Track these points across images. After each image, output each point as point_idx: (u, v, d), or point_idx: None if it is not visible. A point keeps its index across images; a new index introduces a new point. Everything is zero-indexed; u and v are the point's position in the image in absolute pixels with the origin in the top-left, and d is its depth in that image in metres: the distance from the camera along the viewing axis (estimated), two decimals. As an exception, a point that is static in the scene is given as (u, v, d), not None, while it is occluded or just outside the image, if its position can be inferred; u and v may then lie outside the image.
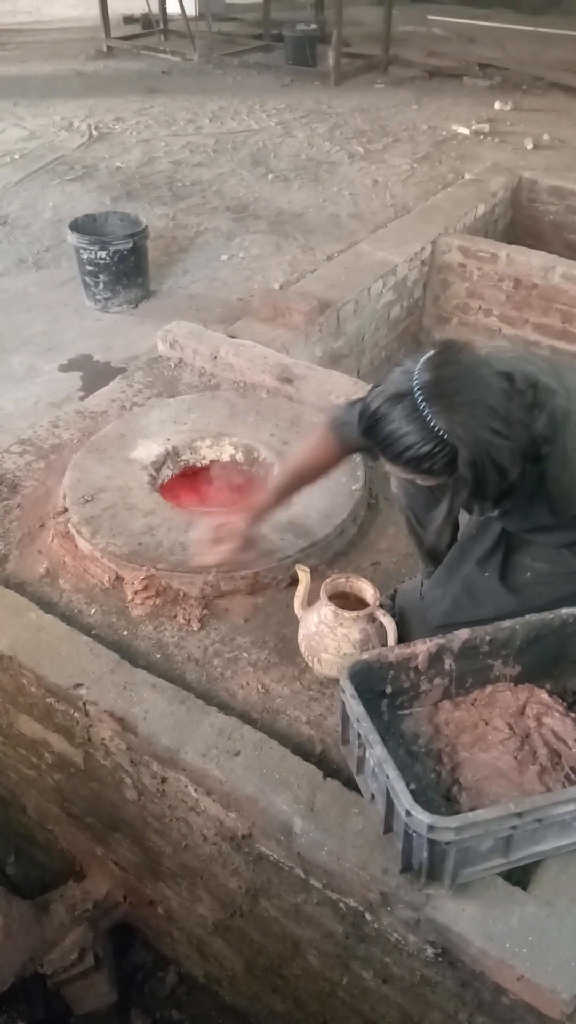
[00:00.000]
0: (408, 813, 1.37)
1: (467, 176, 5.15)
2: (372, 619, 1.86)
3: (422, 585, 2.01)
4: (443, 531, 1.71)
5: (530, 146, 5.76)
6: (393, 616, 1.94)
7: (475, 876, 1.48)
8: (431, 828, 1.36)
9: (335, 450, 1.85)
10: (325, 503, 2.31)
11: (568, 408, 1.48)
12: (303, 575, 1.94)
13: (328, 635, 1.88)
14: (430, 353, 1.38)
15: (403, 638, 1.85)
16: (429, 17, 9.61)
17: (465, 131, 6.05)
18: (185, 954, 2.51)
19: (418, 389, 1.33)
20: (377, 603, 1.86)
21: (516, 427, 1.36)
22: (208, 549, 2.01)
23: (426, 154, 5.66)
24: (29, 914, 2.35)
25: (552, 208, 5.25)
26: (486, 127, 6.09)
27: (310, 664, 1.95)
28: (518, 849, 1.46)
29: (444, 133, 6.08)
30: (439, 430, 1.32)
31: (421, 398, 1.32)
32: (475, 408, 1.32)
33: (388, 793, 1.44)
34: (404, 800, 1.38)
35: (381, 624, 1.84)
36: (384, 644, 1.81)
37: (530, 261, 4.25)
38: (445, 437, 1.32)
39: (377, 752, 1.46)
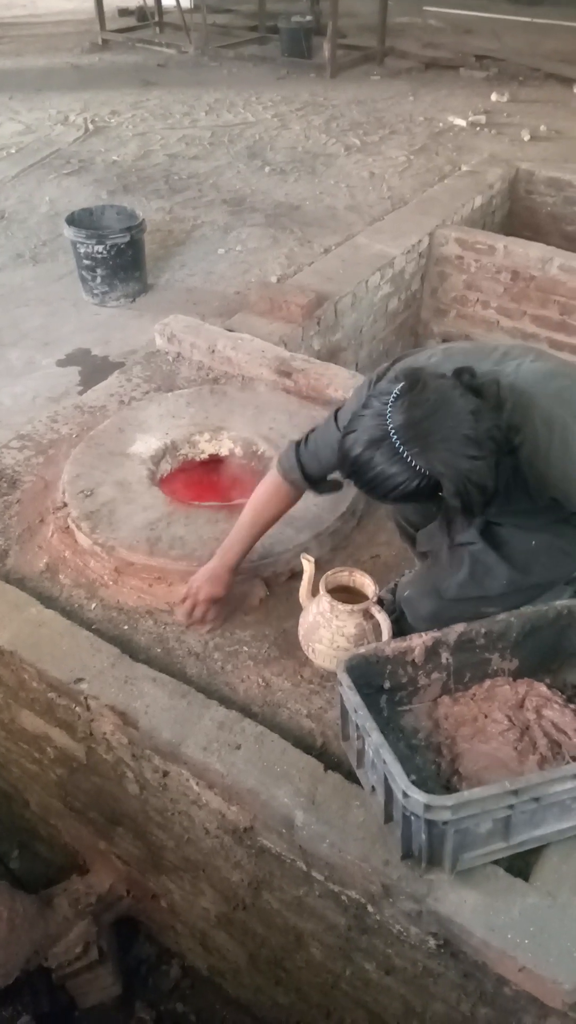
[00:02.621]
0: (405, 794, 1.38)
1: (464, 168, 5.13)
2: (368, 614, 1.86)
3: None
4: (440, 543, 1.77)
5: (527, 137, 5.74)
6: (394, 610, 1.95)
7: (476, 861, 1.48)
8: (428, 808, 1.37)
9: (288, 496, 1.93)
10: (324, 497, 2.30)
11: (527, 391, 1.50)
12: (307, 564, 1.95)
13: (323, 626, 1.88)
14: (397, 393, 1.40)
15: (404, 631, 1.85)
16: (425, 8, 9.56)
17: (462, 123, 6.03)
18: (188, 947, 2.52)
19: (394, 434, 1.38)
20: (375, 599, 1.86)
21: (490, 440, 1.40)
22: (190, 623, 2.06)
23: (423, 146, 5.64)
24: (33, 908, 2.36)
25: (549, 199, 5.23)
26: (483, 118, 6.07)
27: (307, 653, 1.96)
28: (518, 832, 1.46)
29: (441, 125, 6.06)
30: (421, 468, 1.38)
31: (399, 442, 1.38)
32: (450, 442, 1.37)
33: (386, 780, 1.45)
34: (400, 782, 1.38)
35: (377, 620, 1.84)
36: (379, 640, 1.81)
37: (528, 253, 4.24)
38: (428, 473, 1.38)
39: (374, 739, 1.46)
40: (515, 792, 1.39)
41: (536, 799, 1.41)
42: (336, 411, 1.82)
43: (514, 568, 1.77)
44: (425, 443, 1.37)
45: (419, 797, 1.36)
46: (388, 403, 1.40)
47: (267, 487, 1.93)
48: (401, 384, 1.41)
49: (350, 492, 2.34)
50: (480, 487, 1.40)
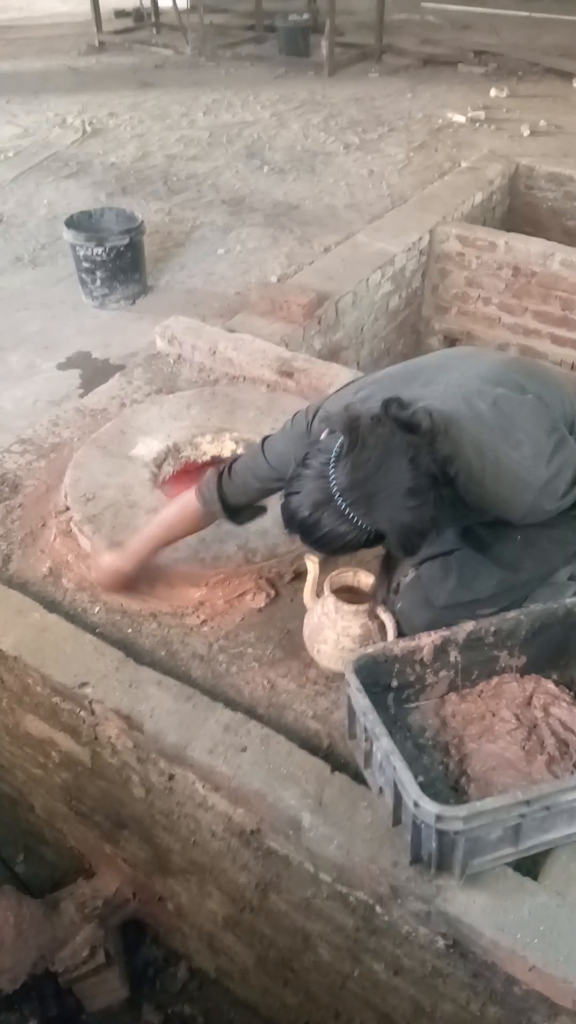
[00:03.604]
0: (416, 804, 1.37)
1: (464, 164, 5.11)
2: (374, 615, 1.85)
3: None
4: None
5: (527, 132, 5.72)
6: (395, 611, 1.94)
7: (485, 866, 1.48)
8: (439, 818, 1.36)
9: (201, 522, 1.96)
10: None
11: (455, 418, 1.50)
12: (312, 565, 1.94)
13: (328, 627, 1.88)
14: (337, 452, 1.41)
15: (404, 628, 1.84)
16: (423, 4, 9.53)
17: (461, 119, 6.01)
18: (196, 949, 2.51)
19: (339, 496, 1.39)
20: (382, 599, 1.85)
21: (429, 479, 1.41)
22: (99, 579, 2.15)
23: (422, 143, 5.62)
24: (39, 912, 2.36)
25: (550, 195, 5.22)
26: (482, 114, 6.05)
27: (312, 654, 1.95)
28: (527, 838, 1.46)
29: (440, 121, 6.04)
30: (366, 526, 1.40)
31: (343, 504, 1.39)
32: (393, 499, 1.39)
33: (396, 785, 1.44)
34: (412, 791, 1.38)
35: (382, 620, 1.83)
36: (385, 640, 1.80)
37: (529, 248, 4.22)
38: (373, 529, 1.41)
39: (384, 744, 1.46)
40: (527, 802, 1.38)
41: (547, 807, 1.40)
42: (264, 441, 1.82)
43: (503, 567, 1.77)
44: (370, 504, 1.39)
45: (431, 808, 1.35)
46: (330, 464, 1.41)
47: (183, 509, 1.95)
48: (340, 441, 1.41)
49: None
50: (421, 532, 1.43)
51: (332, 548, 1.47)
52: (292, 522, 1.47)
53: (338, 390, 1.79)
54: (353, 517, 1.39)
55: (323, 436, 1.50)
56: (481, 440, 1.50)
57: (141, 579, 2.12)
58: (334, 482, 1.40)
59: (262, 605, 2.14)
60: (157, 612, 2.14)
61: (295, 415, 1.79)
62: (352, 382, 1.78)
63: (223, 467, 1.86)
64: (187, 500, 1.93)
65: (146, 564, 2.07)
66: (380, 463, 1.38)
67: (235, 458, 1.88)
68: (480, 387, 1.55)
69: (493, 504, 1.56)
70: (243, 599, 2.15)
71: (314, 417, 1.72)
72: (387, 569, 1.68)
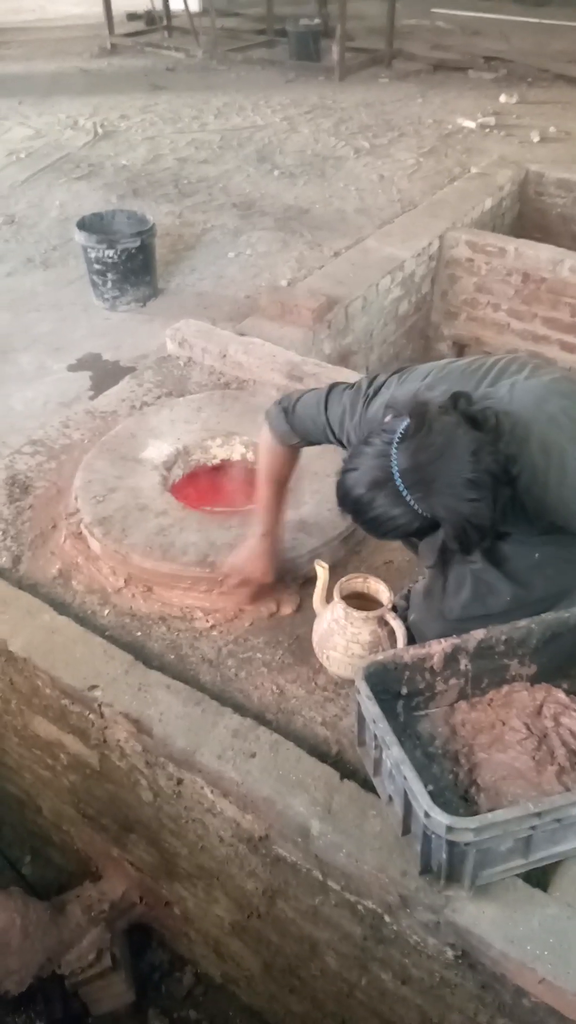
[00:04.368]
0: (427, 815, 1.36)
1: (473, 170, 5.12)
2: (383, 621, 1.85)
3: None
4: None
5: (536, 139, 5.72)
6: (406, 617, 1.94)
7: (495, 877, 1.47)
8: (450, 829, 1.35)
9: (294, 456, 1.96)
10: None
11: (523, 418, 1.49)
12: (322, 571, 1.94)
13: (338, 633, 1.87)
14: (402, 433, 1.39)
15: (416, 638, 1.84)
16: (433, 10, 9.55)
17: (471, 124, 6.02)
18: (202, 954, 2.51)
19: (398, 477, 1.38)
20: (389, 605, 1.85)
21: (490, 476, 1.39)
22: (235, 592, 2.11)
23: (432, 148, 5.63)
24: (46, 915, 2.36)
25: (560, 201, 5.22)
26: (492, 120, 6.06)
27: (321, 660, 1.95)
28: (538, 850, 1.45)
29: (450, 127, 6.04)
30: (423, 512, 1.38)
31: (403, 486, 1.38)
32: (454, 488, 1.36)
33: (406, 795, 1.43)
34: (423, 801, 1.37)
35: (392, 627, 1.83)
36: (394, 647, 1.80)
37: (538, 255, 4.22)
38: (429, 515, 1.39)
39: (394, 753, 1.45)
40: (538, 814, 1.37)
41: (559, 820, 1.40)
42: (327, 395, 1.80)
43: (517, 584, 1.76)
44: (428, 488, 1.37)
45: (442, 819, 1.34)
46: (393, 444, 1.40)
47: (270, 455, 1.94)
48: (406, 423, 1.40)
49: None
50: (479, 528, 1.40)
51: (383, 530, 1.45)
52: (347, 499, 1.46)
53: (400, 370, 1.75)
54: (409, 500, 1.37)
55: (388, 419, 1.48)
56: (548, 442, 1.48)
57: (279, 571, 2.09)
58: (395, 462, 1.38)
59: (291, 611, 2.15)
60: (166, 615, 2.14)
61: (357, 384, 1.77)
62: (415, 367, 1.75)
63: (287, 405, 1.85)
64: (268, 445, 1.92)
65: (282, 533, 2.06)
66: (443, 450, 1.36)
67: (296, 398, 1.85)
68: (547, 394, 1.54)
69: (554, 507, 1.54)
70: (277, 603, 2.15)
71: (374, 394, 1.70)
72: (446, 549, 1.61)
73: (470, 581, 1.78)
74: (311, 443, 1.89)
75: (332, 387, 1.82)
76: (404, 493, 1.37)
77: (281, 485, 1.99)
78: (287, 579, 2.15)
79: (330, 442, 1.84)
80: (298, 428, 1.85)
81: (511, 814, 1.37)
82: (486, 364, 1.67)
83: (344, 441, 1.76)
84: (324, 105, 6.66)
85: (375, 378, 1.77)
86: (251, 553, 2.04)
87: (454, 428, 1.38)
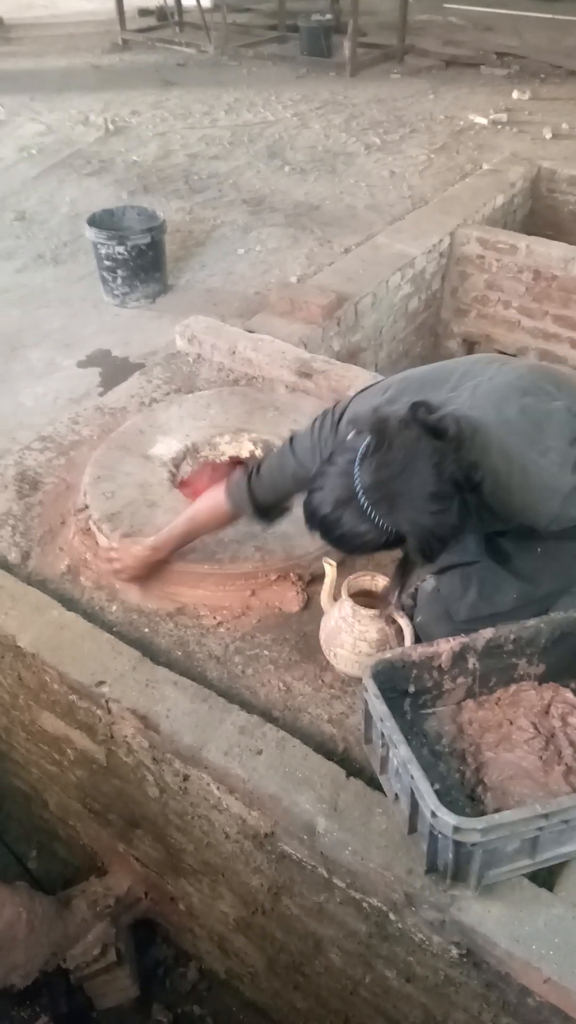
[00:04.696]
0: (434, 814, 1.36)
1: (485, 166, 5.09)
2: (391, 619, 1.84)
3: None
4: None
5: (549, 135, 5.69)
6: (414, 616, 1.93)
7: (501, 877, 1.47)
8: (457, 829, 1.35)
9: (229, 520, 1.96)
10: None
11: (483, 424, 1.49)
12: (330, 568, 1.93)
13: (345, 631, 1.87)
14: (363, 451, 1.40)
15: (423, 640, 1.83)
16: (445, 5, 9.51)
17: (483, 121, 5.99)
18: (206, 950, 2.52)
19: (362, 495, 1.39)
20: (398, 603, 1.84)
21: (453, 486, 1.40)
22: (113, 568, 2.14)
23: (443, 144, 5.60)
24: (51, 909, 2.37)
25: (572, 198, 5.19)
26: (504, 116, 6.03)
27: (328, 658, 1.95)
28: (544, 850, 1.45)
29: (461, 123, 6.02)
30: (387, 527, 1.39)
31: (366, 503, 1.39)
32: (416, 502, 1.38)
33: (412, 793, 1.43)
34: (430, 801, 1.37)
35: (400, 625, 1.83)
36: (401, 645, 1.80)
37: (550, 252, 4.20)
38: (394, 530, 1.40)
39: (401, 752, 1.45)
40: (546, 816, 1.37)
41: (566, 821, 1.39)
42: (291, 439, 1.81)
43: (523, 580, 1.76)
44: (392, 504, 1.38)
45: (449, 819, 1.34)
46: (355, 462, 1.40)
47: (212, 508, 1.95)
48: (367, 441, 1.41)
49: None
50: (441, 538, 1.42)
51: (351, 547, 1.47)
52: (313, 518, 1.47)
53: (363, 389, 1.77)
54: (374, 516, 1.39)
55: (350, 436, 1.49)
56: (508, 446, 1.49)
57: (155, 576, 2.13)
58: (358, 480, 1.39)
59: (296, 609, 2.14)
60: (173, 611, 2.14)
61: (323, 413, 1.78)
62: (377, 382, 1.77)
63: (252, 468, 1.86)
64: (216, 499, 1.92)
65: (167, 558, 2.08)
66: (405, 465, 1.38)
67: (262, 459, 1.88)
68: (508, 394, 1.54)
69: (519, 510, 1.55)
70: (279, 600, 2.15)
71: (340, 417, 1.71)
72: (401, 573, 1.66)
73: (476, 581, 1.78)
74: (267, 505, 1.87)
75: (292, 437, 1.83)
76: (369, 510, 1.39)
77: (197, 533, 2.03)
78: (160, 584, 2.16)
79: (298, 487, 1.81)
80: (260, 489, 1.83)
81: (518, 815, 1.37)
82: (448, 368, 1.67)
83: None
84: (335, 101, 6.64)
85: (337, 404, 1.78)
86: (128, 553, 2.08)
87: (415, 442, 1.39)
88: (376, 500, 1.38)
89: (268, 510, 1.89)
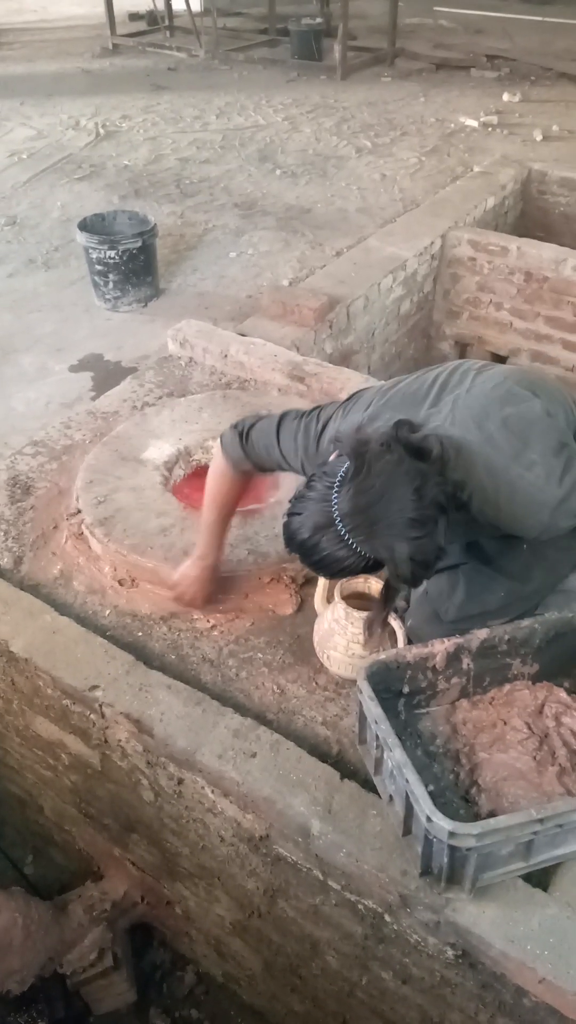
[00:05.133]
0: (429, 819, 1.36)
1: (476, 169, 5.11)
2: (384, 622, 1.84)
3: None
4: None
5: (539, 137, 5.72)
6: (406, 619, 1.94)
7: (495, 879, 1.47)
8: (452, 835, 1.35)
9: (243, 483, 1.94)
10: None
11: (465, 442, 1.49)
12: (321, 571, 1.93)
13: (339, 633, 1.87)
14: (342, 476, 1.40)
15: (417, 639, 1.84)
16: (435, 8, 9.55)
17: (473, 123, 6.01)
18: (203, 954, 2.51)
19: (340, 521, 1.38)
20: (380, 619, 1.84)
21: (436, 507, 1.39)
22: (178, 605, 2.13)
23: (434, 147, 5.62)
24: (48, 914, 2.36)
25: (563, 200, 5.21)
26: (494, 119, 6.05)
27: (321, 660, 1.95)
28: (539, 853, 1.45)
29: (452, 126, 6.04)
30: (365, 553, 1.39)
31: (344, 530, 1.38)
32: (394, 528, 1.37)
33: (407, 796, 1.43)
34: (425, 806, 1.37)
35: (392, 628, 1.83)
36: (395, 647, 1.80)
37: (541, 254, 4.22)
38: (371, 556, 1.40)
39: (396, 756, 1.45)
40: (540, 820, 1.37)
41: (560, 825, 1.40)
42: (280, 424, 1.78)
43: (510, 578, 1.76)
44: (371, 531, 1.37)
45: (444, 824, 1.34)
46: (334, 487, 1.40)
47: (221, 480, 1.91)
48: (346, 466, 1.40)
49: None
50: (423, 564, 1.41)
51: (330, 571, 1.47)
52: (292, 542, 1.47)
53: (346, 401, 1.76)
54: (352, 543, 1.38)
55: (331, 458, 1.49)
56: (493, 463, 1.49)
57: (216, 585, 2.10)
58: (336, 506, 1.39)
59: (289, 611, 2.15)
60: (167, 615, 2.14)
61: (310, 415, 1.77)
62: (360, 393, 1.75)
63: (241, 429, 1.82)
64: (219, 468, 1.90)
65: (222, 557, 2.06)
66: (384, 491, 1.37)
67: (250, 423, 1.83)
68: (487, 407, 1.54)
69: (509, 524, 1.56)
70: (273, 603, 2.15)
71: (323, 428, 1.71)
72: (390, 586, 1.66)
73: (463, 582, 1.79)
74: (263, 470, 1.87)
75: (283, 416, 1.80)
76: (347, 537, 1.38)
77: (227, 510, 1.98)
78: (224, 594, 2.13)
79: (283, 470, 1.83)
80: (252, 455, 1.82)
81: (514, 820, 1.37)
82: (427, 381, 1.66)
83: (300, 470, 1.75)
84: (326, 104, 6.66)
85: (323, 410, 1.76)
86: (185, 577, 2.05)
87: (395, 467, 1.38)
88: (354, 527, 1.38)
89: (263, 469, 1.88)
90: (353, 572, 1.45)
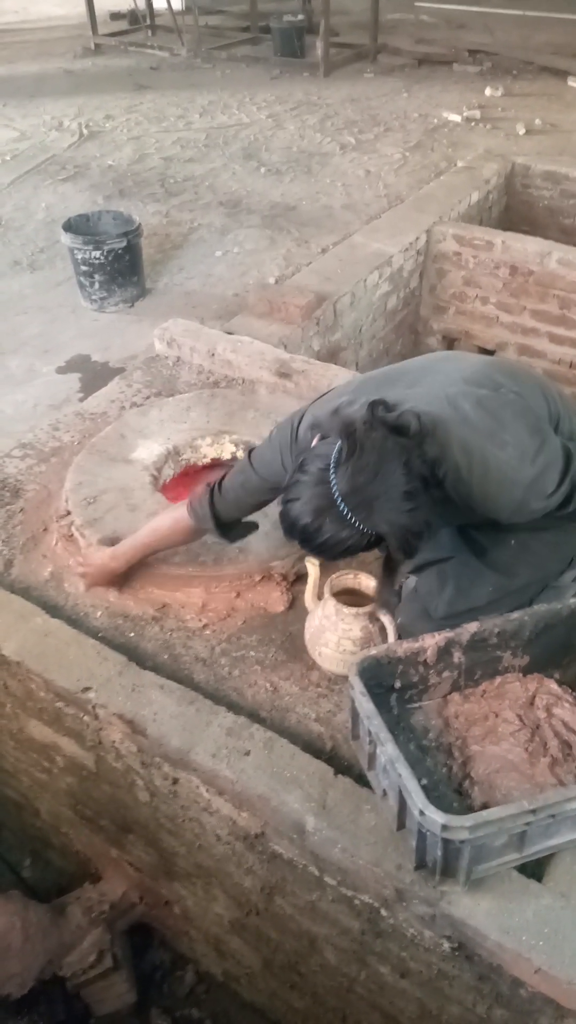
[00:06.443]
0: (422, 813, 1.37)
1: (460, 164, 5.12)
2: (374, 617, 1.85)
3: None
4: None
5: (522, 131, 5.73)
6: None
7: (489, 871, 1.48)
8: (445, 828, 1.36)
9: (192, 536, 1.99)
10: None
11: (442, 420, 1.51)
12: (312, 568, 1.94)
13: (330, 630, 1.88)
14: (337, 457, 1.41)
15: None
16: (417, 4, 9.54)
17: (456, 118, 6.02)
18: (203, 953, 2.51)
19: (340, 501, 1.40)
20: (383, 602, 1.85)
21: (421, 482, 1.42)
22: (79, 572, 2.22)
23: (418, 143, 5.63)
24: (46, 917, 2.36)
25: (546, 193, 5.22)
26: (477, 113, 6.06)
27: (313, 657, 1.95)
28: (532, 844, 1.46)
29: (435, 121, 6.04)
30: (367, 530, 1.41)
31: (345, 509, 1.40)
32: (392, 502, 1.39)
33: (400, 790, 1.44)
34: (417, 800, 1.38)
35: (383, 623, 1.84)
36: (385, 643, 1.81)
37: (526, 247, 4.22)
38: (372, 533, 1.42)
39: (388, 750, 1.46)
40: (533, 811, 1.38)
41: (553, 815, 1.40)
42: (250, 454, 1.82)
43: (499, 573, 1.77)
44: (371, 508, 1.39)
45: (437, 818, 1.34)
46: (329, 469, 1.41)
47: (175, 523, 1.96)
48: (339, 447, 1.41)
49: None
50: (418, 534, 1.44)
51: (333, 553, 1.47)
52: (293, 529, 1.47)
53: (320, 397, 1.78)
54: (355, 521, 1.40)
55: (315, 442, 1.50)
56: (467, 441, 1.50)
57: (123, 579, 2.16)
58: (335, 488, 1.40)
59: (281, 609, 2.15)
60: (158, 615, 2.14)
61: (279, 425, 1.80)
62: (333, 389, 1.77)
63: (214, 483, 1.86)
64: (179, 514, 1.93)
65: (132, 566, 2.11)
66: (378, 468, 1.38)
67: (224, 474, 1.87)
68: (463, 388, 1.56)
69: (481, 503, 1.56)
70: (264, 601, 2.15)
71: (299, 424, 1.71)
72: (389, 572, 1.68)
73: (452, 577, 1.80)
74: (230, 521, 1.88)
75: (250, 452, 1.84)
76: (348, 515, 1.39)
77: (161, 546, 2.05)
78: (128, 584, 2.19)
79: (262, 501, 1.84)
80: (222, 505, 1.84)
81: (506, 811, 1.38)
82: (405, 367, 1.68)
83: (282, 470, 1.76)
84: (309, 101, 6.65)
85: (293, 414, 1.78)
86: (92, 562, 2.14)
87: (383, 442, 1.40)
88: (355, 505, 1.39)
89: (230, 526, 1.90)
90: (354, 552, 1.46)
